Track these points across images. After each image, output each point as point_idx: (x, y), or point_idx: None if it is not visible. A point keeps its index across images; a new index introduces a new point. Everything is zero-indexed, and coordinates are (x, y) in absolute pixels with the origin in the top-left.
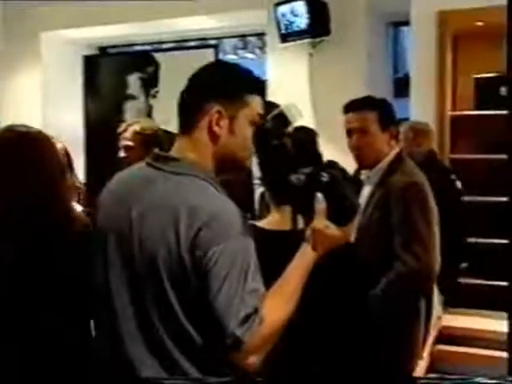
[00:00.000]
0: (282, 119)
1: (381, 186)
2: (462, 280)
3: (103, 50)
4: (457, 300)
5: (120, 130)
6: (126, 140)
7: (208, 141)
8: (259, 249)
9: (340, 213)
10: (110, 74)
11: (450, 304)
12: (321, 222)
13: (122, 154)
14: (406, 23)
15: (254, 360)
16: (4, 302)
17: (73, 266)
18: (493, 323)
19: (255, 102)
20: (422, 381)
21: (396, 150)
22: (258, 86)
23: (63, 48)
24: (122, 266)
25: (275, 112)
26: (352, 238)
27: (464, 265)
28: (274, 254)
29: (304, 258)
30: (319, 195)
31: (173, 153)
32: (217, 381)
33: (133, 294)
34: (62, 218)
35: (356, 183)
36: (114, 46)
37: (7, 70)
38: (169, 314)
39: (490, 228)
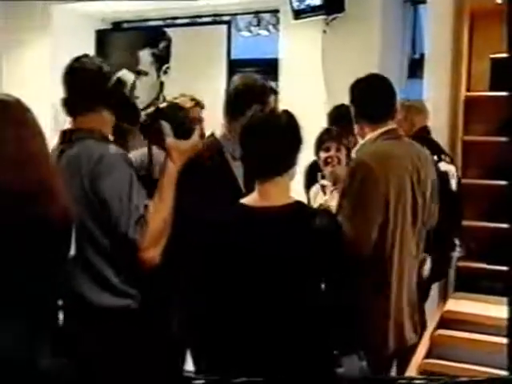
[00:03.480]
0: None
1: None
2: (464, 264)
3: (117, 25)
4: (459, 284)
5: (189, 104)
6: (197, 113)
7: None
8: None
9: (181, 132)
10: (122, 49)
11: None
12: (171, 141)
13: None
14: (424, 1)
15: (152, 254)
16: None
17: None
18: (495, 309)
19: None
20: (402, 381)
21: (379, 131)
22: None
23: (75, 22)
24: None
25: None
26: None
27: (458, 251)
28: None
29: (169, 172)
30: (163, 122)
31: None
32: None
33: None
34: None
35: None
36: (127, 21)
37: (17, 44)
38: (97, 244)
39: (497, 212)
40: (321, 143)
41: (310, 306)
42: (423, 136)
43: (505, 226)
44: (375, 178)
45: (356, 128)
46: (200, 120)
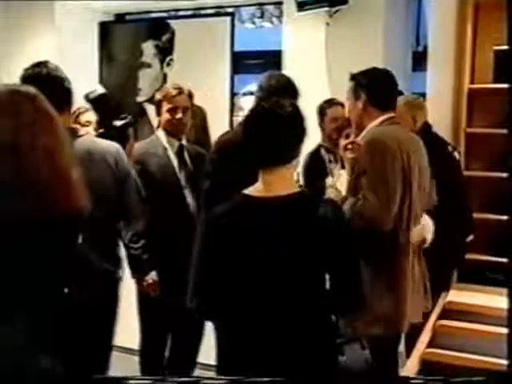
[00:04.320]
0: None
1: None
2: (467, 255)
3: (120, 17)
4: (461, 275)
5: (174, 93)
6: (184, 102)
7: None
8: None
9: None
10: (126, 41)
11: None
12: None
13: (179, 115)
14: None
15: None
16: None
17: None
18: (497, 300)
19: None
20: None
21: (382, 118)
22: None
23: (78, 15)
24: None
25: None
26: None
27: (470, 238)
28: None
29: None
30: None
31: None
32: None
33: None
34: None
35: None
36: (130, 13)
37: (21, 36)
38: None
39: (500, 204)
40: (341, 130)
41: (314, 294)
42: (428, 130)
43: (507, 217)
44: (393, 154)
45: (359, 112)
46: (187, 108)
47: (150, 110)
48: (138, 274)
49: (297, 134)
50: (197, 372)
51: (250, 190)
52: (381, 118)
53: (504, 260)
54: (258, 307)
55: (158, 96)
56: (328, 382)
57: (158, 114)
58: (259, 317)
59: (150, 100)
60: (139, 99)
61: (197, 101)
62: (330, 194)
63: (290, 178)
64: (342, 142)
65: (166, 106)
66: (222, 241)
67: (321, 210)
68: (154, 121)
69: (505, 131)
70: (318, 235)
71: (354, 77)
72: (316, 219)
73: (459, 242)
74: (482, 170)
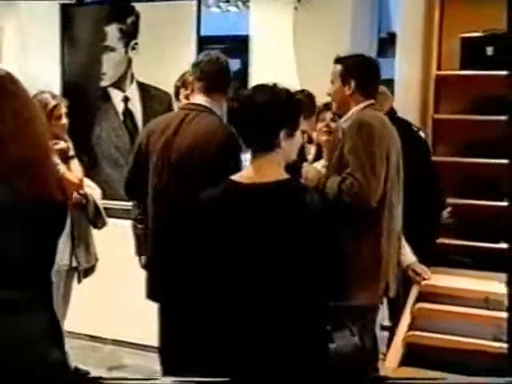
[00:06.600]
0: None
1: None
2: (442, 240)
3: None
4: (437, 259)
5: (180, 81)
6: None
7: None
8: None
9: None
10: (88, 25)
11: (431, 263)
12: None
13: (185, 100)
14: None
15: None
16: None
17: None
18: (468, 282)
19: None
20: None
21: (365, 103)
22: None
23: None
24: None
25: None
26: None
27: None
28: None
29: None
30: None
31: None
32: None
33: None
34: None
35: None
36: None
37: None
38: None
39: (467, 189)
40: (317, 114)
41: (302, 281)
42: (393, 116)
43: (473, 202)
44: (380, 135)
45: (346, 97)
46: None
47: (115, 94)
48: None
49: (277, 119)
50: None
51: (237, 176)
52: (364, 103)
53: (471, 243)
54: (244, 293)
55: (178, 83)
56: (318, 369)
57: (177, 99)
58: (245, 303)
59: (114, 85)
60: (103, 84)
61: (162, 86)
62: (306, 173)
63: (277, 164)
64: (318, 125)
65: (183, 93)
66: (206, 226)
67: (307, 196)
68: (118, 106)
69: (472, 117)
70: (304, 222)
71: (339, 60)
72: (302, 206)
73: (431, 224)
74: (448, 156)
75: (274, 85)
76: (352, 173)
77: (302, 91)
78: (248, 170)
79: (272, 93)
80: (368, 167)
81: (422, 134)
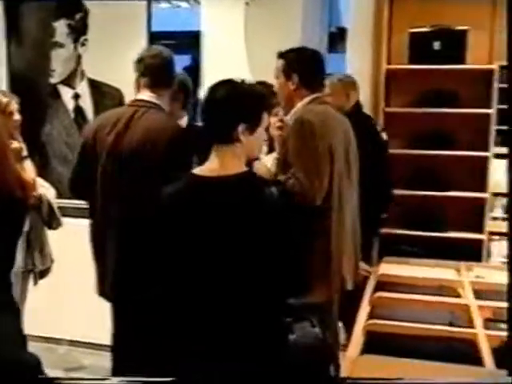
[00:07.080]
0: None
1: None
2: (386, 230)
3: None
4: (389, 250)
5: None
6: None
7: None
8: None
9: None
10: (36, 20)
11: (384, 253)
12: None
13: None
14: None
15: None
16: None
17: None
18: (420, 270)
19: None
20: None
21: (310, 97)
22: None
23: None
24: None
25: None
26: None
27: (384, 215)
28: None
29: None
30: None
31: None
32: None
33: None
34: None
35: None
36: None
37: None
38: None
39: (416, 180)
40: (270, 108)
41: (261, 274)
42: (359, 110)
43: (423, 193)
44: (321, 133)
45: (290, 92)
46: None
47: (65, 91)
48: None
49: (234, 112)
50: None
51: (198, 170)
52: (309, 98)
53: (420, 233)
54: (204, 287)
55: None
56: (277, 360)
57: None
58: (205, 296)
59: (64, 81)
60: (53, 80)
61: (113, 82)
62: (257, 170)
63: (237, 157)
64: (271, 120)
65: None
66: (168, 221)
67: (267, 189)
68: (69, 103)
69: (421, 110)
70: (263, 215)
71: (282, 55)
72: (262, 198)
73: (378, 215)
74: (399, 148)
75: (242, 81)
76: (294, 173)
77: (263, 83)
78: (211, 162)
79: (232, 88)
80: (310, 167)
81: (384, 135)
